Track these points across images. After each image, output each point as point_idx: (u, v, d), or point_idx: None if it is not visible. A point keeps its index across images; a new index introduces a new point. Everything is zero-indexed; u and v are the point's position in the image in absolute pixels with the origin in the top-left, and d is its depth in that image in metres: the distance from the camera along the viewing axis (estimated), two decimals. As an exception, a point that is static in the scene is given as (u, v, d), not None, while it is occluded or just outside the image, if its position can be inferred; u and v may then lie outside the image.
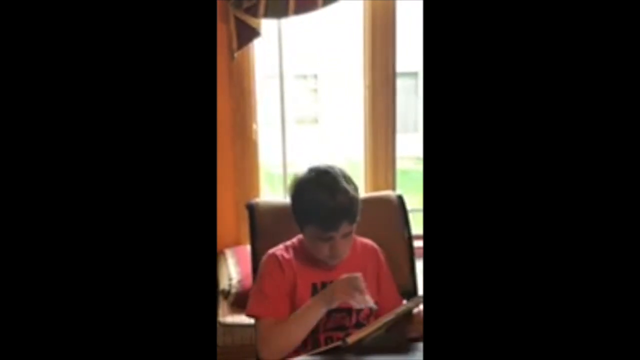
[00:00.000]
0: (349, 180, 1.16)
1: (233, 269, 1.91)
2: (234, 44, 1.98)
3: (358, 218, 1.16)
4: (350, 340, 0.98)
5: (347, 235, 1.15)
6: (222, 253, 2.06)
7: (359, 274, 1.09)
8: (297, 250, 1.21)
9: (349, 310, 1.15)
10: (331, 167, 1.17)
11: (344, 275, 1.10)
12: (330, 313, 1.13)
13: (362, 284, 1.06)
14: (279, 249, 1.22)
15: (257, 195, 2.20)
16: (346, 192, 1.12)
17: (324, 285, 1.16)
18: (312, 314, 1.09)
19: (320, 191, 1.12)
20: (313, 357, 1.01)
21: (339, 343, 0.99)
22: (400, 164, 2.37)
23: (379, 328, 1.01)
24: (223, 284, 1.86)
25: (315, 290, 1.16)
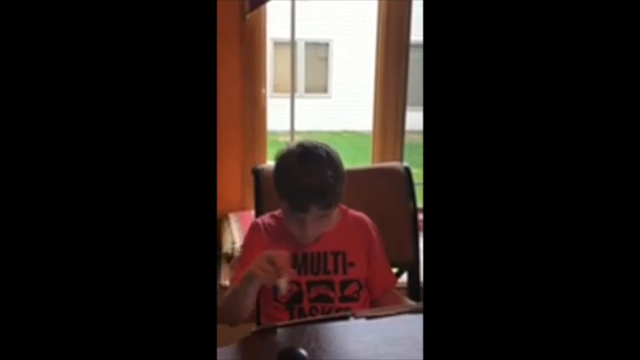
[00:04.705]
0: (334, 165, 1.10)
1: (236, 234, 1.92)
2: (246, 5, 1.94)
3: (335, 205, 1.12)
4: (360, 314, 0.99)
5: (320, 218, 1.11)
6: (227, 217, 2.07)
7: (284, 253, 1.00)
8: (282, 219, 1.19)
9: (329, 283, 1.14)
10: (320, 147, 1.12)
11: (266, 252, 1.00)
12: (310, 284, 1.13)
13: (280, 262, 0.96)
14: (265, 217, 1.22)
15: (263, 161, 2.20)
16: (322, 176, 1.07)
17: (304, 256, 1.15)
18: (240, 287, 1.04)
19: (296, 169, 1.08)
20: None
21: (347, 314, 1.00)
22: (409, 138, 2.35)
23: (390, 315, 1.01)
24: (226, 247, 1.88)
25: (295, 260, 1.14)
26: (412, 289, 1.36)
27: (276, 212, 1.21)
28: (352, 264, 1.17)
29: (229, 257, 1.85)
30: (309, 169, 1.07)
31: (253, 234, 1.20)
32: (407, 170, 1.40)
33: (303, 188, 1.06)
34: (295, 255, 1.15)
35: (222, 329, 0.85)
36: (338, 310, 1.11)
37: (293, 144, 1.14)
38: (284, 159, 1.13)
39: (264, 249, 1.14)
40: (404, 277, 1.39)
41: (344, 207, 1.21)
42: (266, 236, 1.18)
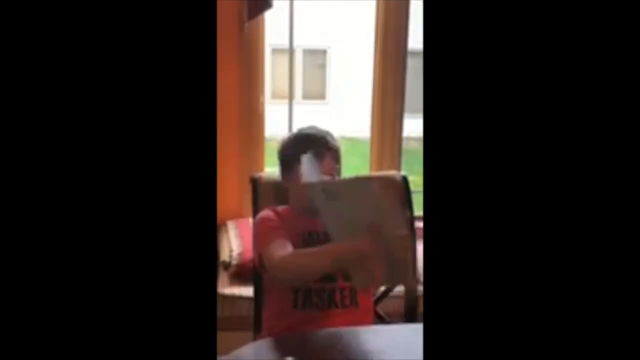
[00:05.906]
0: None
1: (234, 241, 1.92)
2: (245, 15, 1.95)
3: (339, 163, 1.26)
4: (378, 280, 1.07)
5: (329, 173, 1.22)
6: (224, 225, 2.07)
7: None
8: (284, 211, 1.26)
9: None
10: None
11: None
12: None
13: (373, 267, 0.99)
14: (269, 209, 1.28)
15: (261, 168, 2.20)
16: (330, 135, 1.28)
17: (310, 234, 1.21)
18: (323, 257, 1.06)
19: (306, 132, 1.29)
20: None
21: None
22: (406, 144, 2.36)
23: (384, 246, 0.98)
24: (224, 255, 1.87)
25: (304, 239, 1.20)
26: (409, 298, 1.36)
27: (278, 208, 1.27)
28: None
29: (227, 265, 1.85)
30: (317, 129, 1.29)
31: (269, 217, 1.23)
32: (405, 179, 1.42)
33: (321, 137, 1.26)
34: (303, 235, 1.21)
35: (221, 337, 0.85)
36: (342, 289, 1.17)
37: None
38: (290, 136, 1.31)
39: (281, 229, 1.20)
40: (401, 286, 1.39)
41: None
42: (279, 217, 1.23)
